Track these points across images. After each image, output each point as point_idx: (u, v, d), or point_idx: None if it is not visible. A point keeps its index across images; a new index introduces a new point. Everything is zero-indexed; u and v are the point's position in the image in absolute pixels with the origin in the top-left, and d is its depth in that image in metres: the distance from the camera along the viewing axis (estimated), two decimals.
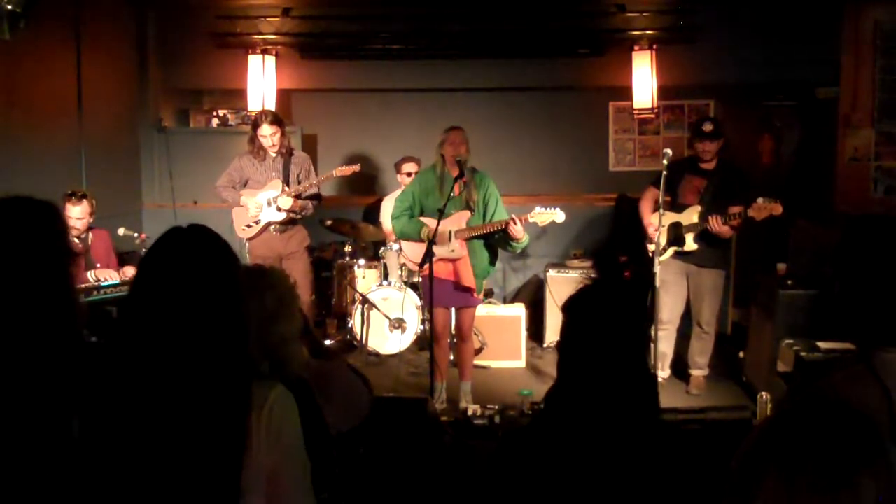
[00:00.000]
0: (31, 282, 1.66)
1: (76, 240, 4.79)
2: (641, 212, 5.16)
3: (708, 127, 4.95)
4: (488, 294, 6.39)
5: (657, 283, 4.71)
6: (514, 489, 1.68)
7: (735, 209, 4.78)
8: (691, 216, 4.96)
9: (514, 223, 4.47)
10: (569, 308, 1.79)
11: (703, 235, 4.93)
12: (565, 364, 1.76)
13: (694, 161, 5.06)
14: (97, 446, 1.49)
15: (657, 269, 4.69)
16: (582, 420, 1.67)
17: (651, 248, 4.89)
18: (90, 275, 4.80)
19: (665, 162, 4.66)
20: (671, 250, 5.00)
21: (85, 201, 4.77)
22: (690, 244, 4.96)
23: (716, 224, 4.78)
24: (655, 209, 4.78)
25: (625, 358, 1.70)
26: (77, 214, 4.74)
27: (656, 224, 4.73)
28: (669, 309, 5.03)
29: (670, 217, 4.95)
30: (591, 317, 1.75)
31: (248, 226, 5.41)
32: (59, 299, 1.69)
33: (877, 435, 1.13)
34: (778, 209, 4.63)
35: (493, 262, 4.86)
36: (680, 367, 5.32)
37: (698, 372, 5.23)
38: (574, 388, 1.72)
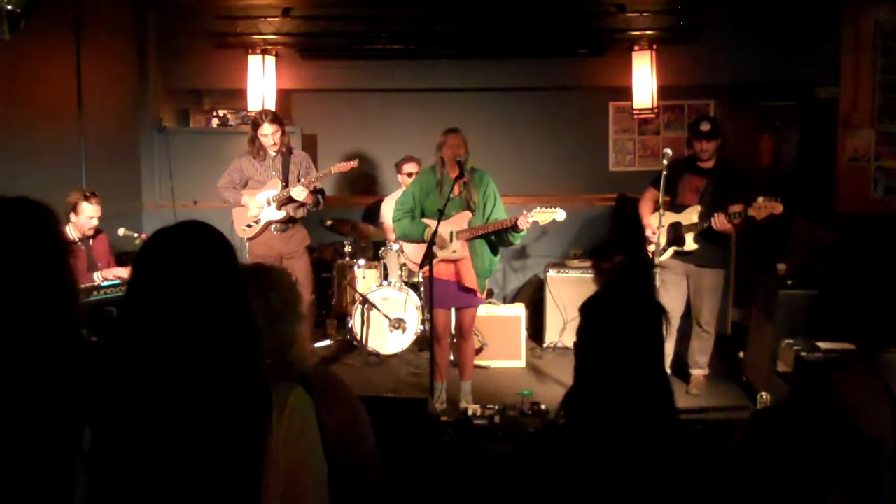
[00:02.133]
0: (30, 281, 1.65)
1: (78, 242, 4.80)
2: (641, 212, 5.16)
3: (705, 126, 4.95)
4: (489, 294, 6.38)
5: (657, 283, 4.71)
6: (534, 496, 1.66)
7: (735, 208, 4.78)
8: (691, 216, 4.96)
9: (526, 217, 4.50)
10: (586, 309, 1.77)
11: (703, 235, 4.92)
12: (582, 367, 1.75)
13: (692, 160, 5.06)
14: (113, 453, 1.47)
15: (657, 269, 4.69)
16: (600, 423, 1.66)
17: (651, 248, 4.90)
18: (96, 276, 4.81)
19: (665, 162, 4.67)
20: (671, 250, 5.00)
21: (96, 200, 4.79)
22: (690, 244, 4.96)
23: (720, 223, 4.78)
24: (655, 209, 4.78)
25: (641, 361, 1.69)
26: (92, 213, 4.76)
27: (654, 226, 4.74)
28: (669, 309, 4.99)
29: (670, 217, 4.95)
30: (609, 319, 1.73)
31: (249, 226, 5.41)
32: (59, 298, 1.68)
33: (862, 452, 1.13)
34: (778, 208, 4.64)
35: (494, 258, 4.84)
36: (680, 367, 5.32)
37: (698, 371, 5.23)
38: (591, 391, 1.71)
